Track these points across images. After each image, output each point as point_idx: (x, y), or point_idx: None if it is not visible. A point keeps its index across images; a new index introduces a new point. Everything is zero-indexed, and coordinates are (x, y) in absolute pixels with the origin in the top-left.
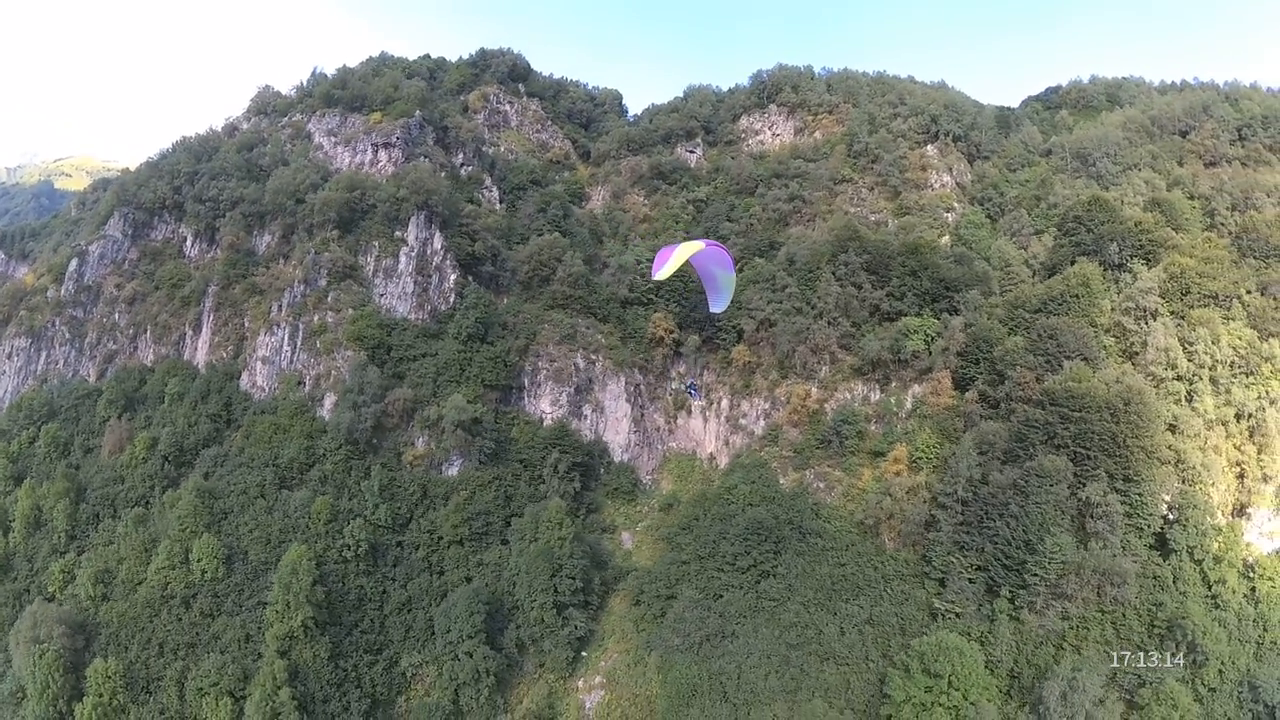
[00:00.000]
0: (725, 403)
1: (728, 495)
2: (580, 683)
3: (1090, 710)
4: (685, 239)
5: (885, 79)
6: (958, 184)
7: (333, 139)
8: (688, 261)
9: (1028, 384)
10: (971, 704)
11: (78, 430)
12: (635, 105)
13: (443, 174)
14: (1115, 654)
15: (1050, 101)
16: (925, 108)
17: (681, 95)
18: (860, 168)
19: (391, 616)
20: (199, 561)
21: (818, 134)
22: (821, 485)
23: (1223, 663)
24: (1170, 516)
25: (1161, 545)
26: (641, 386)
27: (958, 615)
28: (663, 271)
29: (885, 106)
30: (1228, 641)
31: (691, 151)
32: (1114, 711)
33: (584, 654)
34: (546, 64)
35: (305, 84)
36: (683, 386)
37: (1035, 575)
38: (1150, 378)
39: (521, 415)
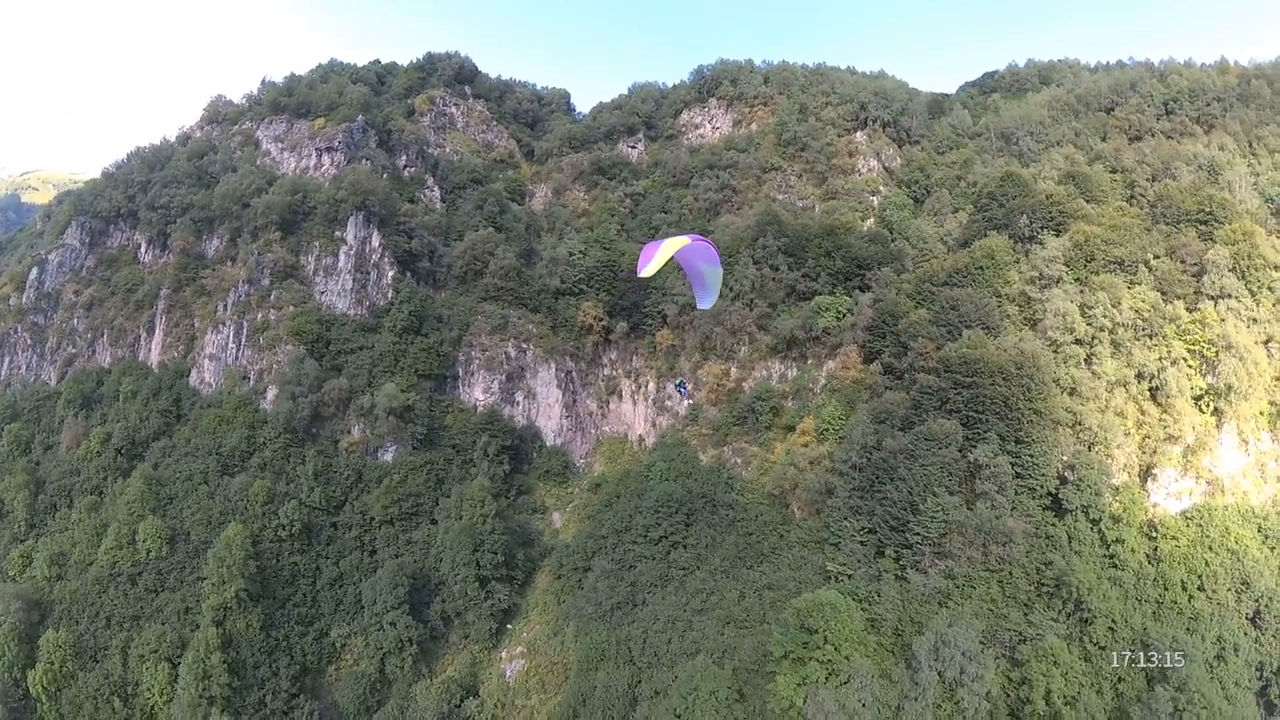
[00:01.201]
0: (651, 386)
1: (647, 473)
2: (504, 653)
3: (961, 663)
4: (620, 231)
5: (823, 70)
6: (885, 168)
7: (279, 145)
8: (673, 258)
9: (928, 354)
10: (845, 658)
11: (39, 429)
12: (591, 103)
13: (385, 175)
14: (997, 611)
15: (985, 86)
16: (855, 95)
17: (626, 92)
18: (789, 156)
19: (323, 591)
20: (144, 542)
21: (753, 125)
22: (739, 460)
23: (1114, 621)
24: (1068, 477)
25: (1056, 506)
26: (573, 373)
27: (849, 576)
28: (648, 268)
29: (819, 96)
30: (1123, 600)
31: (633, 147)
32: (988, 665)
33: (509, 626)
34: (509, 67)
35: (255, 93)
36: (672, 385)
37: (917, 535)
38: (1049, 343)
39: (455, 403)
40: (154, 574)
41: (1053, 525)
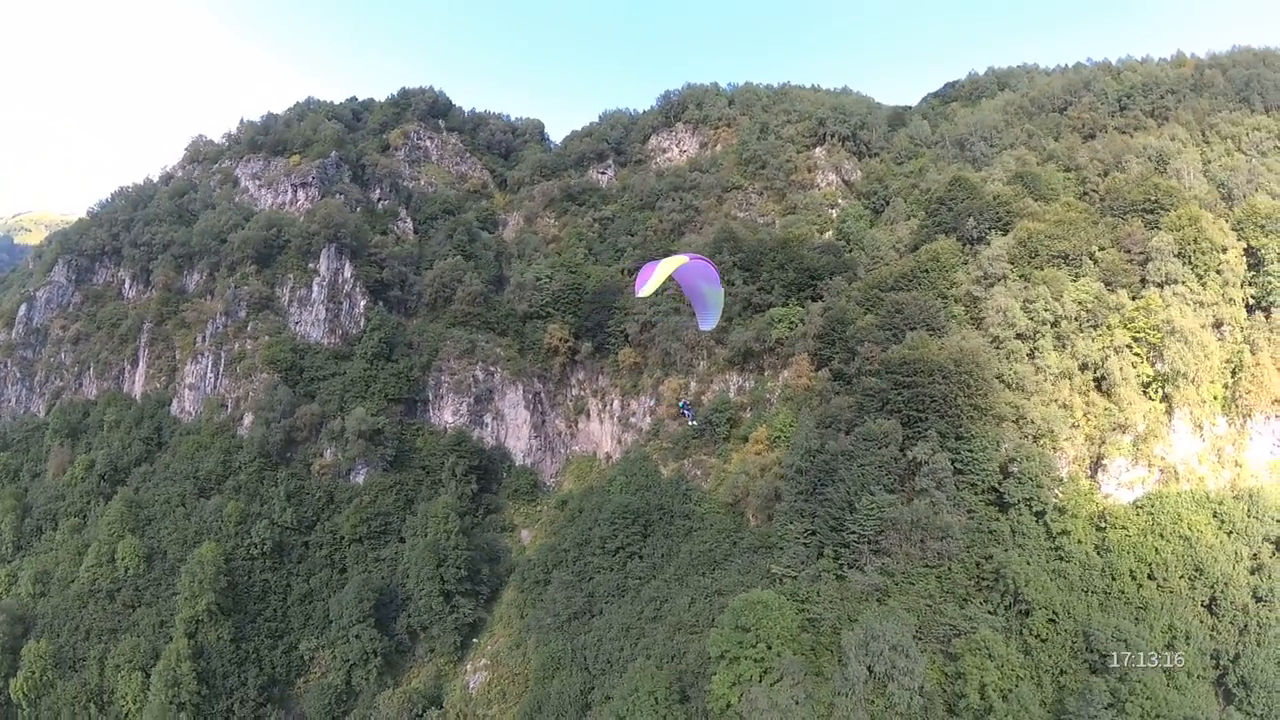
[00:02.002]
0: (617, 403)
1: (608, 487)
2: (468, 665)
3: (891, 657)
4: (587, 255)
5: (786, 90)
6: (845, 181)
7: (256, 182)
8: (671, 278)
9: (874, 357)
10: (777, 655)
11: (27, 458)
12: (568, 132)
13: (358, 208)
14: (934, 606)
15: (946, 96)
16: (813, 112)
17: (597, 120)
18: (749, 174)
19: (293, 607)
20: (123, 560)
21: (718, 147)
22: (698, 472)
23: (1055, 612)
24: (1010, 471)
25: (999, 500)
26: (542, 394)
27: (793, 578)
28: (646, 288)
29: (780, 115)
30: (1068, 591)
31: (603, 173)
32: (918, 659)
33: (475, 640)
34: (486, 100)
35: (234, 132)
36: (680, 408)
37: (853, 533)
38: (992, 340)
39: (426, 426)
40: (131, 590)
41: (996, 520)
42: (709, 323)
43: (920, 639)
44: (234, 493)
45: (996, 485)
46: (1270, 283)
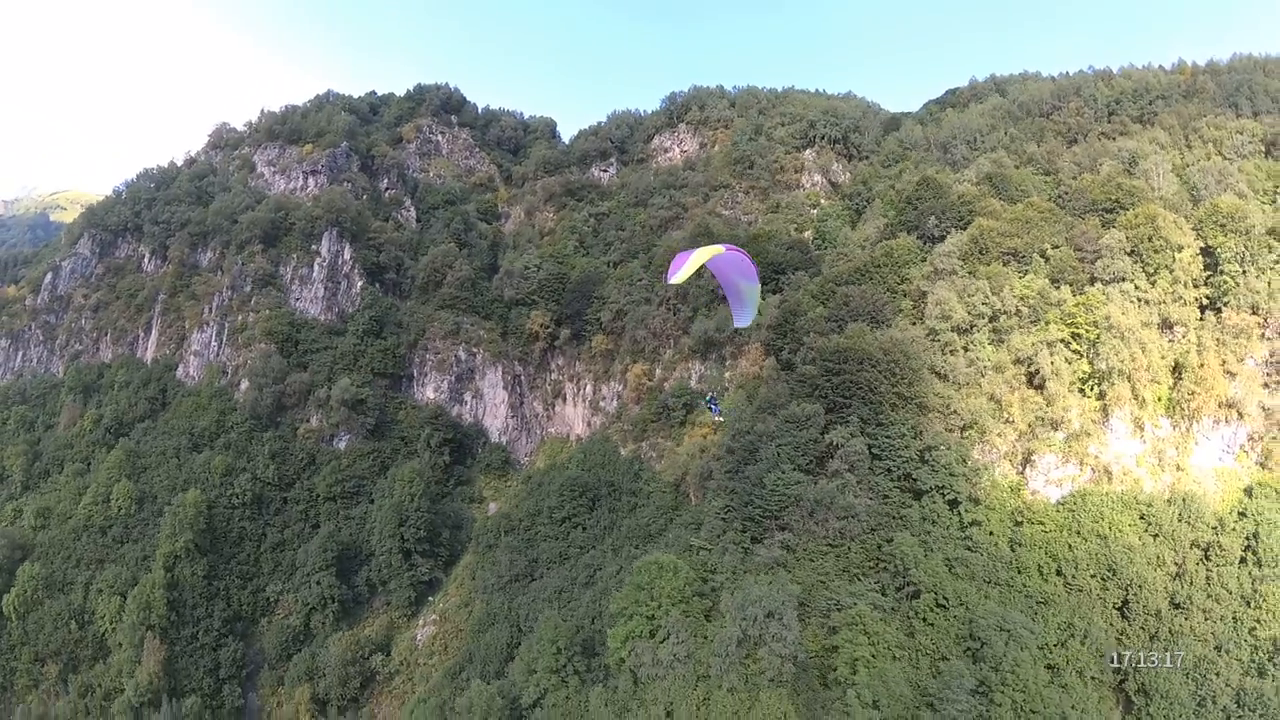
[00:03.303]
0: (589, 388)
1: (567, 464)
2: (420, 621)
3: (765, 622)
4: (578, 248)
5: (788, 93)
6: (832, 183)
7: (271, 168)
8: (705, 268)
9: (817, 347)
10: (665, 613)
11: (43, 412)
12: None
13: (364, 196)
14: (827, 582)
15: (945, 102)
16: (804, 115)
17: (605, 120)
18: (738, 173)
19: (265, 554)
20: (117, 500)
21: (715, 147)
22: (653, 454)
23: (945, 597)
24: (927, 459)
25: (913, 486)
26: (521, 377)
27: (708, 550)
28: (678, 276)
29: (775, 117)
30: (969, 580)
31: (605, 171)
32: (791, 626)
33: (431, 599)
34: (507, 98)
35: (255, 121)
36: (703, 402)
37: (759, 508)
38: (929, 332)
39: (409, 400)
40: (121, 527)
41: (908, 506)
42: (744, 319)
43: (805, 611)
44: (224, 449)
45: (911, 472)
46: (1225, 282)
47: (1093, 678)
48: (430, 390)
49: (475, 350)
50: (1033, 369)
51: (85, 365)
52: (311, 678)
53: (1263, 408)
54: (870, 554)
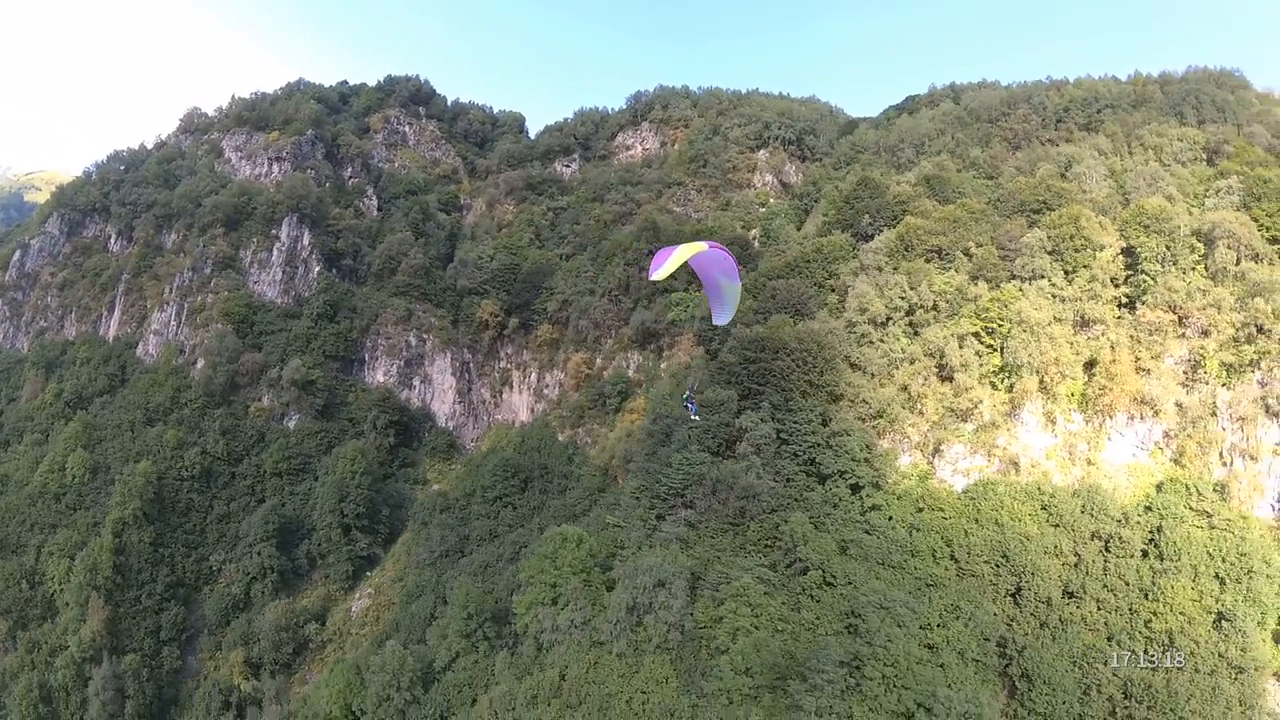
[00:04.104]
0: (534, 376)
1: (505, 447)
2: (356, 594)
3: (652, 591)
4: (533, 240)
5: (751, 96)
6: (783, 183)
7: (238, 153)
8: (687, 265)
9: (739, 336)
10: (565, 581)
11: (6, 386)
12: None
13: (327, 184)
14: (724, 558)
15: (904, 107)
16: (760, 116)
17: (570, 116)
18: (692, 171)
19: (211, 525)
20: (71, 469)
21: (676, 146)
22: (589, 439)
23: (833, 575)
24: (834, 445)
25: (818, 471)
26: (470, 364)
27: (620, 527)
28: (660, 272)
29: (735, 118)
30: (862, 560)
31: (567, 166)
32: (677, 595)
33: (369, 574)
34: (481, 92)
35: (225, 107)
36: (682, 400)
37: (664, 485)
38: (847, 324)
39: (359, 384)
40: (75, 495)
41: (811, 489)
42: (724, 317)
43: (700, 585)
44: (177, 424)
45: (815, 457)
46: (1144, 281)
47: (974, 659)
48: (380, 374)
49: (426, 336)
50: (944, 361)
51: (50, 342)
52: (247, 642)
53: (1179, 405)
54: (768, 532)
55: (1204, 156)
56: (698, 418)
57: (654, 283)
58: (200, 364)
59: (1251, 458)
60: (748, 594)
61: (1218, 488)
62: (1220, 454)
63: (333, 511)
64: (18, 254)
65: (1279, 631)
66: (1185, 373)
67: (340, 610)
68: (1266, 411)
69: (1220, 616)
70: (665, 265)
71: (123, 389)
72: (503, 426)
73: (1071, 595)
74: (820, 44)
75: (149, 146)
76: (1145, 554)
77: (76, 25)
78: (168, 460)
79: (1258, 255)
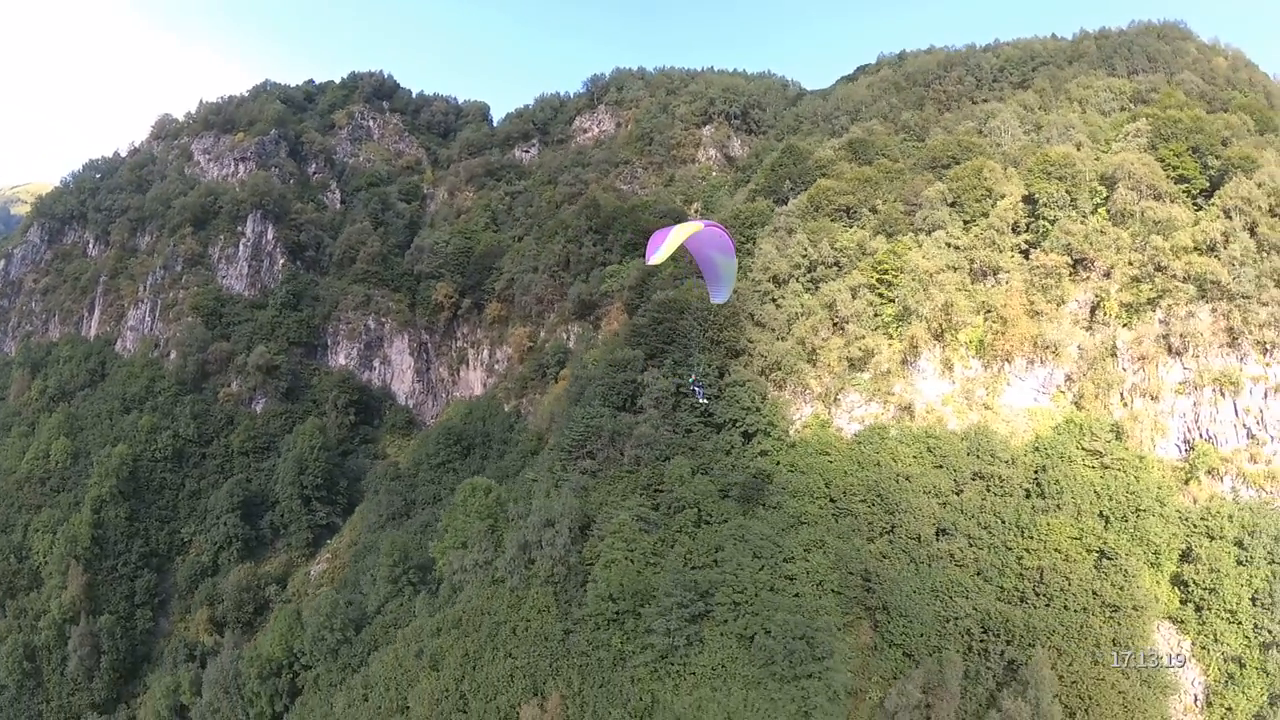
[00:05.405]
0: (486, 352)
1: (453, 417)
2: (316, 559)
3: (540, 530)
4: (488, 224)
5: (705, 73)
6: (728, 157)
7: (207, 156)
8: (683, 246)
9: (653, 300)
10: (472, 525)
11: None
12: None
13: (291, 180)
14: (613, 501)
15: (853, 78)
16: (704, 92)
17: (532, 103)
18: (639, 150)
19: (183, 501)
20: (55, 456)
21: (630, 127)
22: (531, 408)
23: (709, 515)
24: (727, 396)
25: (712, 420)
26: (428, 345)
27: (535, 480)
28: (657, 255)
29: (684, 96)
30: (742, 502)
31: (526, 152)
32: (562, 533)
33: (328, 541)
34: (448, 84)
35: (193, 112)
36: (688, 384)
37: (571, 440)
38: (752, 284)
39: (322, 367)
40: (58, 478)
41: (707, 438)
42: (722, 295)
43: (593, 526)
44: (151, 410)
45: (710, 408)
46: (1043, 226)
47: (834, 590)
48: (342, 357)
49: (384, 320)
50: (837, 314)
51: (35, 344)
52: (212, 603)
53: (1080, 349)
54: (656, 477)
55: (1129, 106)
56: (705, 400)
57: (592, 258)
58: (173, 355)
59: (1152, 397)
60: (623, 531)
61: (1114, 428)
62: (1121, 395)
63: (293, 484)
64: (2, 264)
65: (1178, 574)
66: (1087, 315)
67: (300, 574)
68: (1169, 350)
69: (1102, 554)
70: (663, 248)
71: (102, 382)
72: (460, 403)
73: (944, 533)
74: (790, 20)
75: (122, 154)
76: (1029, 494)
77: (57, 43)
78: (142, 443)
79: (1160, 194)
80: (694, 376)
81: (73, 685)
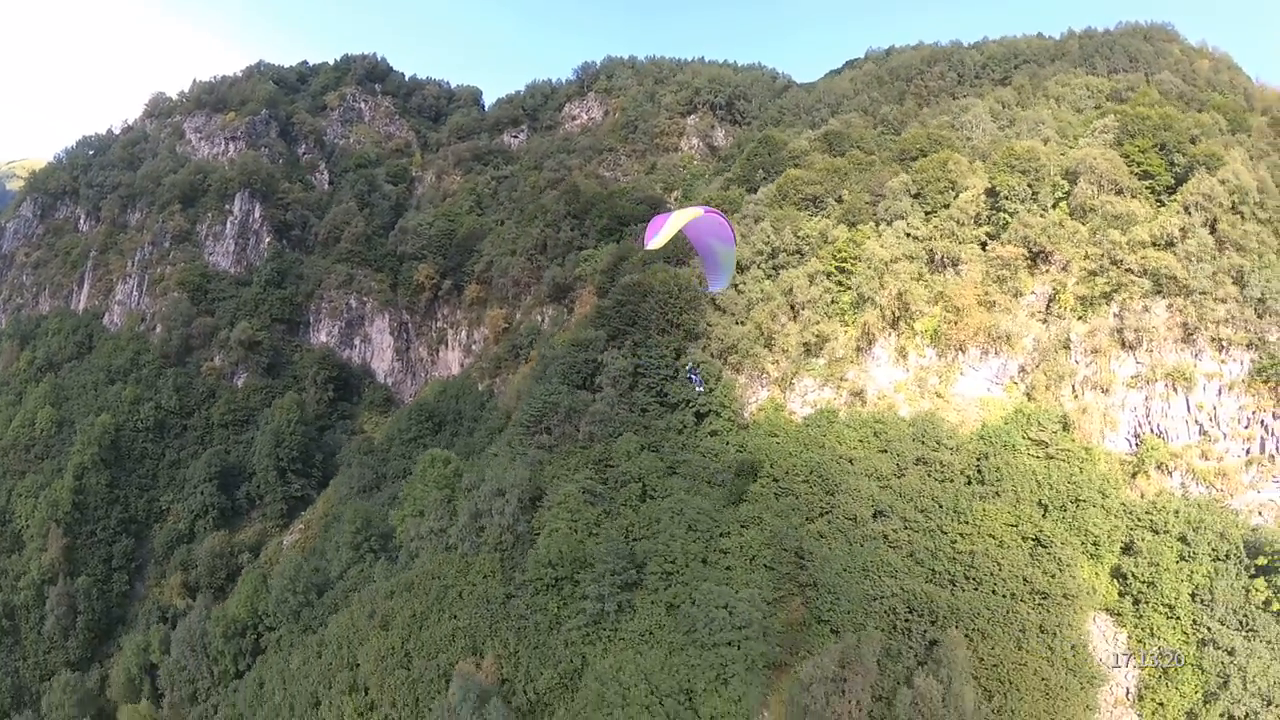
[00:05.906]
0: (464, 333)
1: (427, 395)
2: (290, 530)
3: (490, 499)
4: (473, 208)
5: (694, 64)
6: (710, 146)
7: (198, 135)
8: (681, 232)
9: (618, 284)
10: (428, 494)
11: None
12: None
13: (280, 160)
14: (564, 475)
15: (839, 72)
16: (690, 82)
17: (523, 90)
18: (623, 138)
19: (163, 470)
20: (40, 424)
21: (617, 115)
22: (504, 387)
23: (653, 490)
24: (681, 378)
25: (667, 401)
26: (408, 324)
27: (496, 455)
28: (655, 241)
29: (672, 85)
30: (687, 478)
31: (515, 137)
32: (511, 502)
33: (302, 513)
34: (442, 68)
35: (186, 91)
36: (685, 371)
37: (529, 416)
38: None
39: (304, 344)
40: (43, 446)
41: (661, 417)
42: (720, 282)
43: (544, 498)
44: (135, 382)
45: (664, 389)
46: (1003, 219)
47: (765, 565)
48: (323, 335)
49: (366, 299)
50: (794, 299)
51: (26, 317)
52: (186, 568)
53: (1035, 341)
54: (608, 453)
55: (1104, 104)
56: (702, 389)
57: (569, 242)
58: (159, 329)
59: (1103, 390)
60: (569, 502)
61: (1062, 420)
62: (1073, 387)
63: (269, 456)
64: None
65: (1118, 566)
66: (1044, 308)
67: (274, 544)
68: (1123, 344)
69: (1037, 542)
70: (660, 234)
71: (89, 354)
72: (439, 382)
73: (881, 514)
74: (791, 20)
75: (116, 131)
76: (969, 480)
77: (54, 21)
78: (125, 414)
79: (1121, 190)
80: (690, 364)
81: (49, 644)
